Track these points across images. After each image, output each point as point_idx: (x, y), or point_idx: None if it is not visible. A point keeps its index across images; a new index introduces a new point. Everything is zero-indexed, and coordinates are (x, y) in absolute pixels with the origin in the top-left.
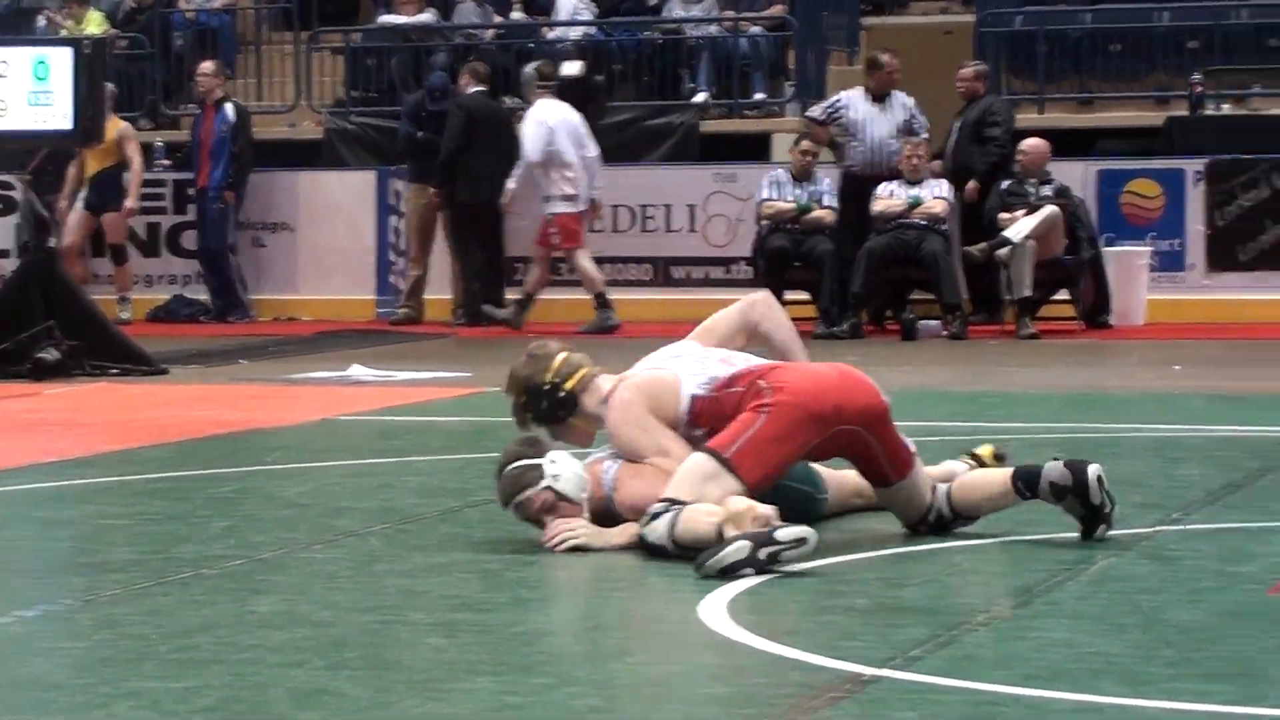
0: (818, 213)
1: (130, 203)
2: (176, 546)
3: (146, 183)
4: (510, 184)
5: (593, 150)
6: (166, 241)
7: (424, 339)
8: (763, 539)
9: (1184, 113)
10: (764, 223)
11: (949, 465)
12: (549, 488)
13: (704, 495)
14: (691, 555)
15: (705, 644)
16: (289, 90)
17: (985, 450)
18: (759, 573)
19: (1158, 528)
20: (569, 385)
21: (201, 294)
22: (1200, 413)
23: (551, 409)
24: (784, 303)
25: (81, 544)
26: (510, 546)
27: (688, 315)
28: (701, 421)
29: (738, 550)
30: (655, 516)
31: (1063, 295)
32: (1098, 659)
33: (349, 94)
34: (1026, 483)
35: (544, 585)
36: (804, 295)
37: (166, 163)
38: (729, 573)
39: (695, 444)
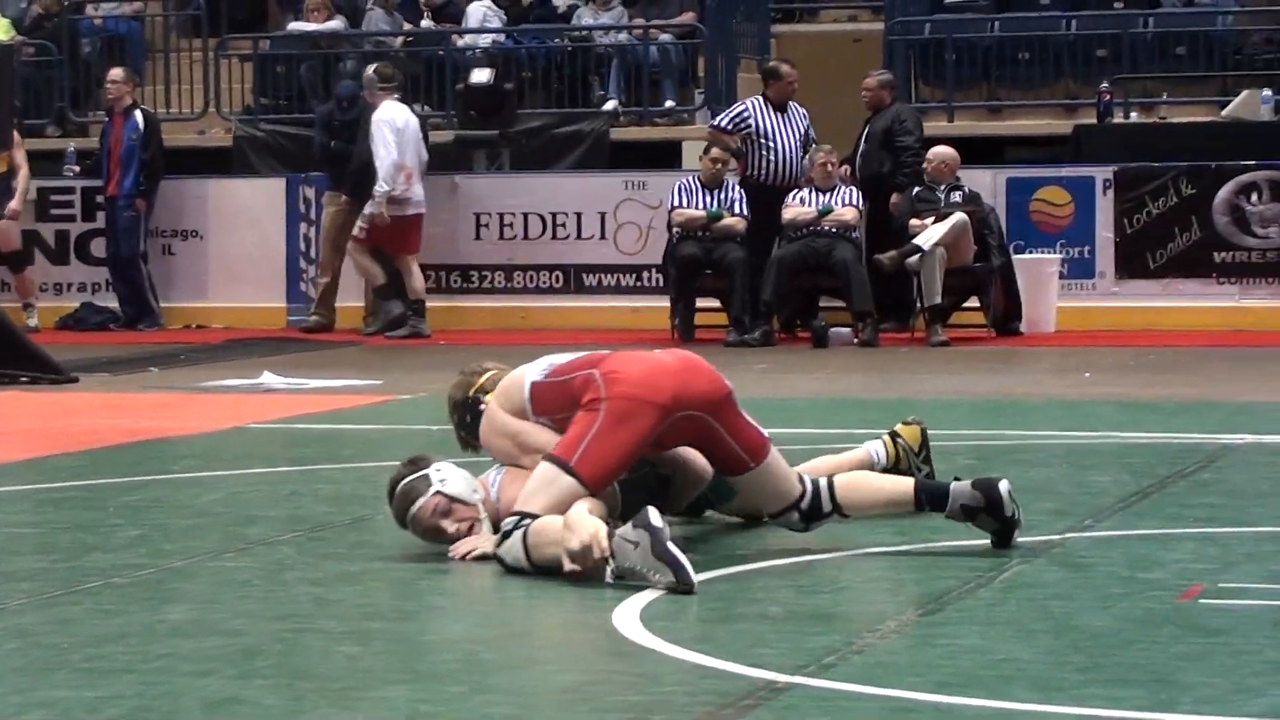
0: (728, 220)
1: (15, 204)
2: (86, 555)
3: (56, 190)
4: (382, 189)
5: (425, 155)
6: (76, 249)
7: (335, 347)
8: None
9: (1092, 121)
10: (675, 230)
11: (868, 447)
12: (438, 492)
13: (551, 506)
14: (553, 572)
15: (619, 652)
16: (198, 97)
17: (908, 431)
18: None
19: (1068, 534)
20: (488, 398)
21: (111, 302)
22: (1110, 419)
23: (475, 422)
24: (695, 310)
25: None
26: (422, 555)
27: (599, 323)
28: (543, 409)
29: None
30: (507, 534)
31: (973, 302)
32: (1009, 665)
33: (258, 101)
34: (932, 499)
35: (457, 593)
36: (715, 303)
37: (75, 170)
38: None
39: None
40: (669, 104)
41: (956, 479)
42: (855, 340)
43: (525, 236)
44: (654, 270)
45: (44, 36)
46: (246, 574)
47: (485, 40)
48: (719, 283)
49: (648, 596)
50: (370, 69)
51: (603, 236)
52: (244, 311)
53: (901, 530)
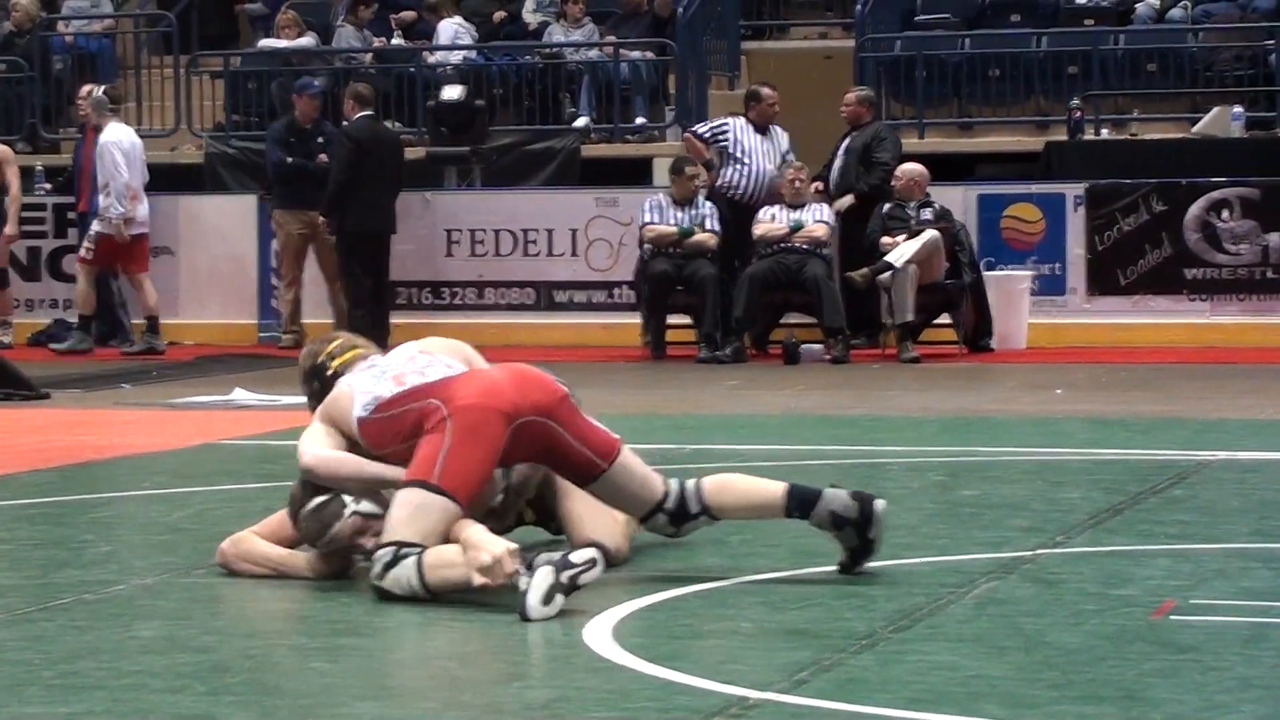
0: (700, 236)
1: (10, 229)
2: (57, 571)
3: (26, 206)
4: (116, 210)
5: (147, 177)
6: (47, 265)
7: None
8: (561, 564)
9: (1063, 138)
10: (646, 247)
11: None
12: (355, 513)
13: (426, 529)
14: (448, 595)
15: (590, 667)
16: (169, 114)
17: None
18: (566, 594)
19: (1039, 551)
20: (335, 364)
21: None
22: (1081, 436)
23: (323, 390)
24: (666, 327)
25: None
26: (333, 544)
27: (570, 340)
28: (373, 443)
29: (545, 577)
30: (387, 566)
31: (944, 319)
32: (980, 682)
33: (229, 118)
34: (801, 504)
35: (428, 609)
36: (686, 320)
37: (47, 187)
38: (547, 601)
39: (386, 461)
40: (640, 121)
41: (833, 484)
42: (827, 357)
43: (497, 253)
44: (625, 287)
45: (15, 53)
46: (217, 590)
47: (456, 57)
48: (691, 299)
49: (619, 613)
50: (99, 90)
51: (574, 253)
52: (214, 328)
53: None
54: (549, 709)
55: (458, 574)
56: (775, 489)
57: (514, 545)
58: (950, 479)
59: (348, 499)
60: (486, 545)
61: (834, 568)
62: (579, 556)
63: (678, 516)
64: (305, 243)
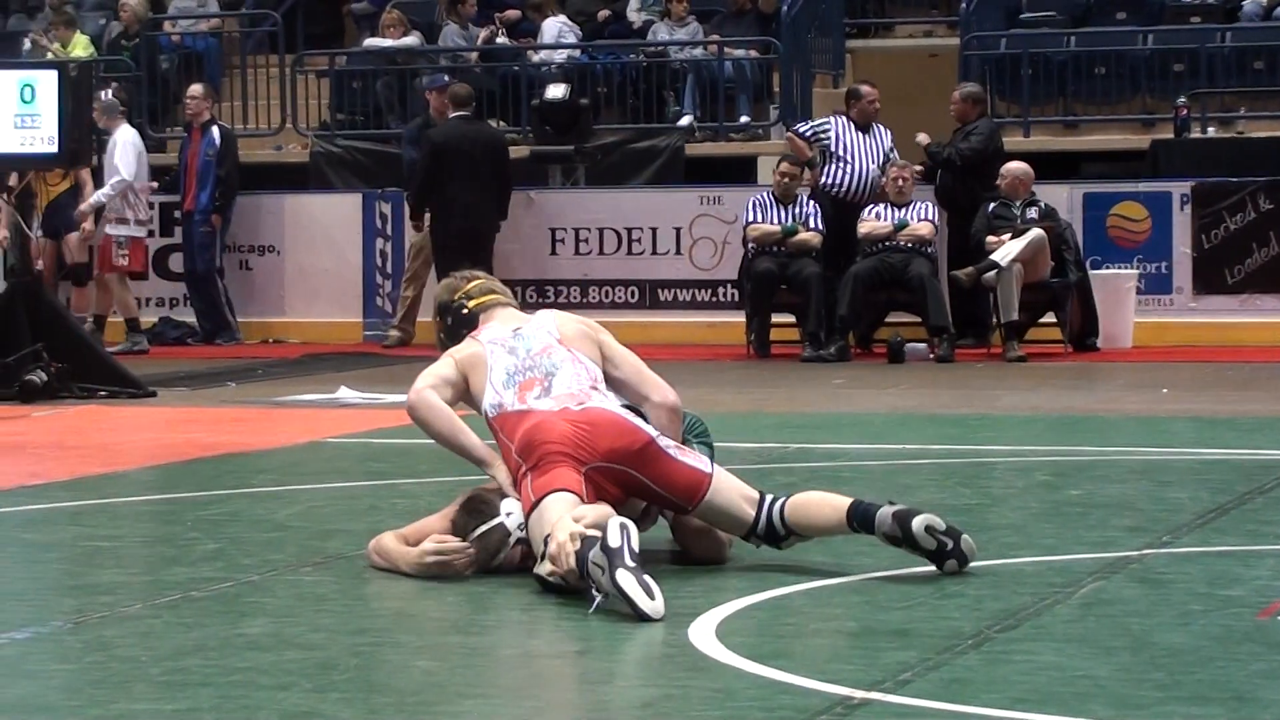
0: (804, 235)
1: (88, 226)
2: (165, 569)
3: None
4: (99, 197)
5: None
6: (153, 264)
7: (411, 362)
8: (616, 557)
9: (1170, 136)
10: (750, 246)
11: None
12: (519, 540)
13: (558, 516)
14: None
15: (695, 667)
16: (275, 113)
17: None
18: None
19: (1146, 551)
20: (472, 304)
21: (189, 317)
22: (1188, 436)
23: (456, 326)
24: (770, 326)
25: (70, 566)
26: (500, 569)
27: (673, 339)
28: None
29: (628, 579)
30: (542, 558)
31: (1049, 318)
32: (1087, 682)
33: (334, 117)
34: (862, 522)
35: (534, 608)
36: (790, 319)
37: (153, 186)
38: (650, 593)
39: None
40: (744, 119)
41: (890, 502)
42: (931, 356)
43: (600, 252)
44: (729, 286)
45: (123, 53)
46: (324, 588)
47: (560, 56)
48: (794, 298)
49: (724, 612)
50: (107, 93)
51: (678, 252)
52: (320, 326)
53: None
54: (653, 708)
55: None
56: (840, 506)
57: (577, 527)
58: (1056, 478)
59: (511, 525)
60: (557, 531)
61: (935, 567)
62: (614, 539)
63: (769, 539)
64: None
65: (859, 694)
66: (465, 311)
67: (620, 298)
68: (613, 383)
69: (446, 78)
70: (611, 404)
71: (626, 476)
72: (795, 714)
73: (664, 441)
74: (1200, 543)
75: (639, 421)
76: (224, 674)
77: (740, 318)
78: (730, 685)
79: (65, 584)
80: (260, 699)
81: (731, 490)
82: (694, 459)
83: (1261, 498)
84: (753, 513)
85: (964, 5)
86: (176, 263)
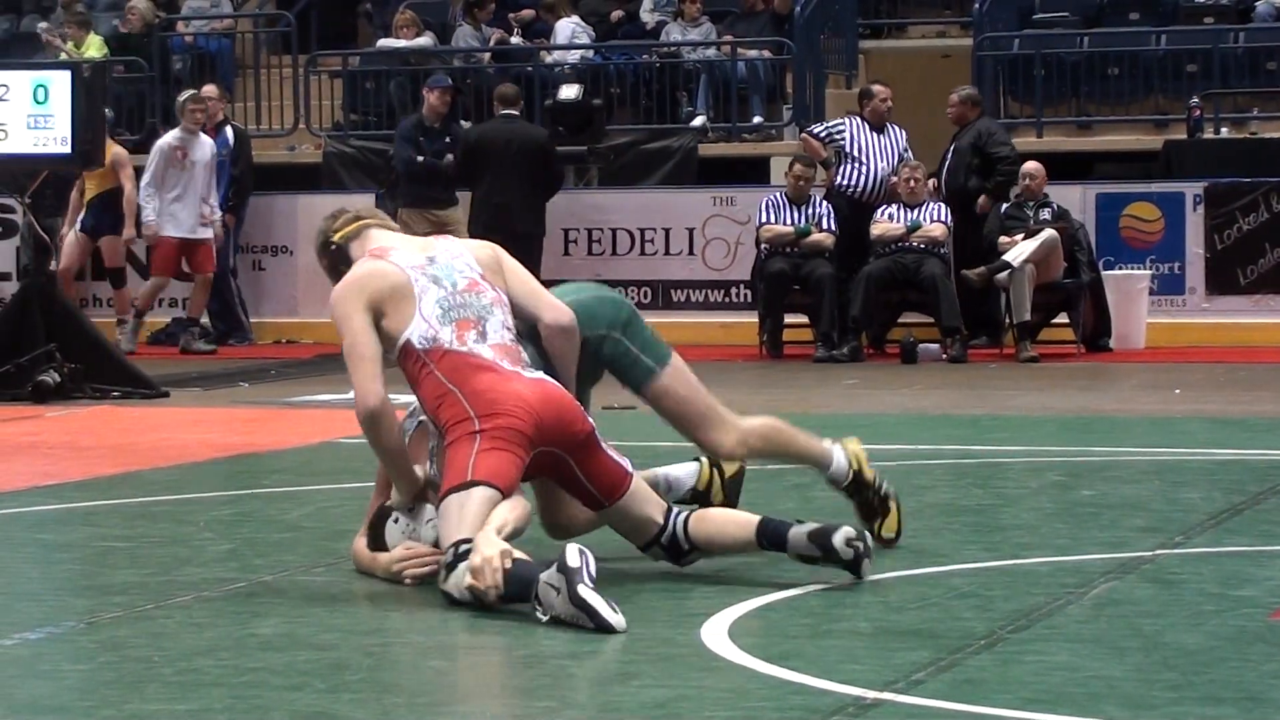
0: (817, 236)
1: (128, 230)
2: (178, 569)
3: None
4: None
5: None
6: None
7: None
8: (574, 575)
9: (1183, 136)
10: (763, 246)
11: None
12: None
13: (473, 523)
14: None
15: (708, 667)
16: (288, 114)
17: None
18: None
19: (1159, 551)
20: (337, 237)
21: (202, 317)
22: (1201, 436)
23: (333, 264)
24: (783, 326)
25: (83, 566)
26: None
27: (686, 339)
28: (406, 370)
29: (590, 596)
30: (449, 569)
31: (1062, 319)
32: (1099, 683)
33: (347, 117)
34: (772, 541)
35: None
36: (803, 319)
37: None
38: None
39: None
40: (757, 120)
41: (798, 521)
42: (944, 356)
43: (614, 252)
44: (742, 286)
45: (136, 53)
46: (336, 588)
47: (574, 56)
48: (807, 298)
49: (736, 612)
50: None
51: (691, 252)
52: (333, 327)
53: (990, 546)
54: (665, 708)
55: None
56: (748, 524)
57: (506, 546)
58: (1069, 479)
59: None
60: (480, 548)
61: (951, 567)
62: (574, 560)
63: (672, 551)
64: None
65: (871, 694)
66: (334, 247)
67: (633, 298)
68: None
69: (449, 79)
70: (552, 380)
71: (558, 461)
72: (808, 714)
73: (598, 434)
74: (1213, 543)
75: (580, 408)
76: (237, 674)
77: (753, 318)
78: (743, 685)
79: (79, 584)
80: (273, 699)
81: (646, 495)
82: (620, 456)
83: (1274, 498)
84: (660, 521)
85: (977, 6)
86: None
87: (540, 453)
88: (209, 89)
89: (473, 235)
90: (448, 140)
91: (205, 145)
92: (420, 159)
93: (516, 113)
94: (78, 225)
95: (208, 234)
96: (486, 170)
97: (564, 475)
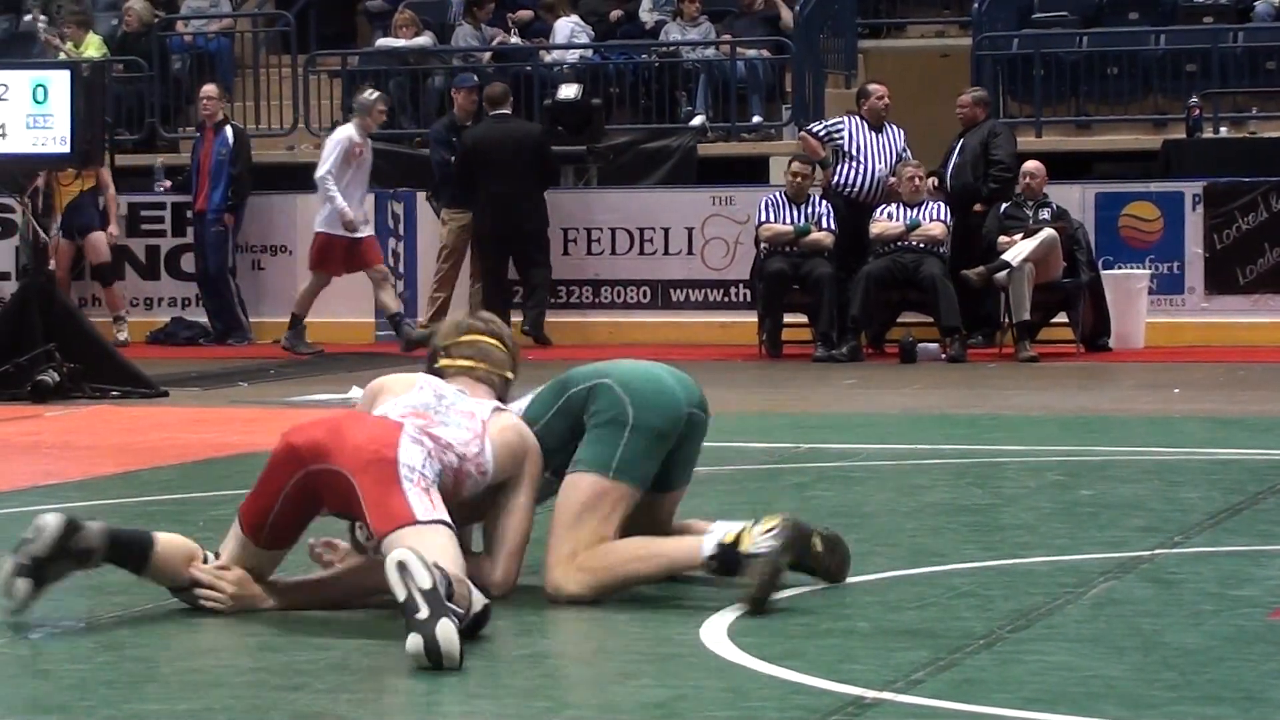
0: (816, 235)
1: (113, 229)
2: None
3: (146, 205)
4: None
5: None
6: (165, 264)
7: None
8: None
9: (1182, 136)
10: (762, 246)
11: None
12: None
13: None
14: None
15: (708, 667)
16: (287, 113)
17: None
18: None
19: (1157, 551)
20: (442, 363)
21: (201, 317)
22: (1200, 436)
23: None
24: (782, 326)
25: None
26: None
27: (685, 339)
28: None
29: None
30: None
31: (1061, 318)
32: (1098, 682)
33: (347, 117)
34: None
35: (546, 608)
36: (802, 319)
37: (166, 185)
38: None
39: None
40: (756, 119)
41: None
42: (943, 356)
43: (613, 252)
44: (741, 286)
45: (135, 53)
46: None
47: (573, 56)
48: (807, 298)
49: (736, 612)
50: (371, 93)
51: (690, 252)
52: (332, 326)
53: (989, 546)
54: (665, 708)
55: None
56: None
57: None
58: (1068, 478)
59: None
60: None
61: (950, 567)
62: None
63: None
64: (466, 243)
65: (871, 694)
66: (435, 365)
67: (632, 298)
68: (485, 508)
69: (475, 78)
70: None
71: (344, 483)
72: (807, 714)
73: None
74: (1212, 543)
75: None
76: (236, 674)
77: (752, 318)
78: (742, 685)
79: (78, 583)
80: (272, 699)
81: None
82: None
83: (1273, 498)
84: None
85: (976, 5)
86: (189, 263)
87: (318, 472)
88: (208, 88)
89: (479, 235)
90: None
91: (369, 147)
92: (453, 159)
93: (508, 111)
94: (56, 230)
95: (370, 230)
96: (487, 171)
97: (351, 501)
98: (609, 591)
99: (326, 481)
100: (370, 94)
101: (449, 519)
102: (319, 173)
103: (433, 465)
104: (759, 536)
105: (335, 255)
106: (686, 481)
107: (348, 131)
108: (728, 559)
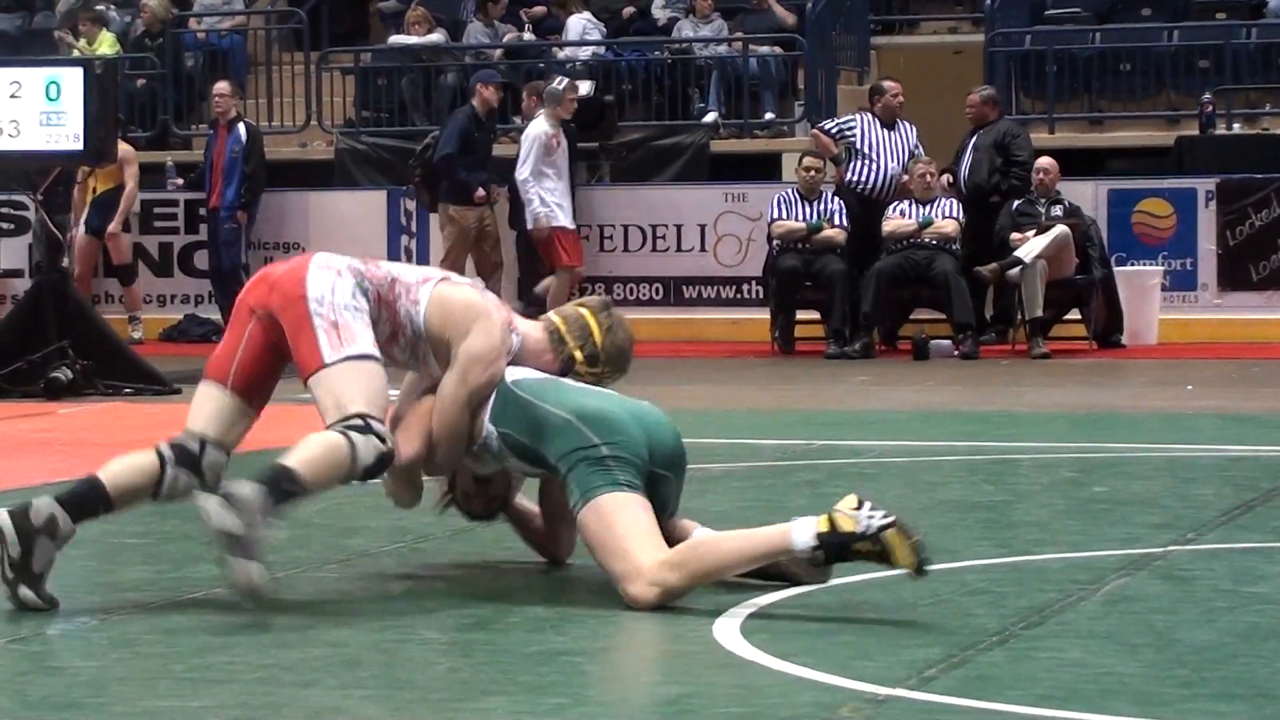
0: (829, 232)
1: (114, 225)
2: (190, 566)
3: (159, 203)
4: (535, 203)
5: None
6: (179, 261)
7: None
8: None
9: (1194, 132)
10: (775, 242)
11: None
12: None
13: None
14: None
15: (720, 664)
16: (300, 110)
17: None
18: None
19: (1170, 547)
20: (582, 368)
21: (214, 313)
22: (1213, 432)
23: (564, 370)
24: (795, 322)
25: (96, 563)
26: (526, 566)
27: (698, 335)
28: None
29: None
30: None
31: (1074, 315)
32: (1111, 679)
33: (359, 114)
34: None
35: (558, 605)
36: (815, 315)
37: (179, 182)
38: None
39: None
40: (769, 116)
41: None
42: (956, 353)
43: (625, 249)
44: (754, 282)
45: (147, 50)
46: (348, 585)
47: (585, 53)
48: (819, 295)
49: (748, 609)
50: (561, 81)
51: (703, 249)
52: None
53: (1002, 543)
54: (678, 704)
55: None
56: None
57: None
58: (1081, 475)
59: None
60: None
61: (962, 564)
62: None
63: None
64: (479, 237)
65: (883, 691)
66: (575, 370)
67: (645, 294)
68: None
69: (498, 74)
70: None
71: (276, 327)
72: (820, 711)
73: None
74: (1225, 539)
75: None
76: (249, 670)
77: (765, 314)
78: (754, 682)
79: (91, 581)
80: (285, 696)
81: (328, 399)
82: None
83: None
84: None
85: (988, 2)
86: (202, 260)
87: (264, 317)
88: (221, 86)
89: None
90: (493, 135)
91: (562, 135)
92: (464, 173)
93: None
94: (82, 226)
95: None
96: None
97: (282, 342)
98: (700, 582)
99: (268, 327)
100: (559, 82)
101: (363, 350)
102: (520, 174)
103: (346, 287)
104: (859, 514)
105: (579, 244)
106: (674, 513)
107: (541, 126)
108: (834, 544)
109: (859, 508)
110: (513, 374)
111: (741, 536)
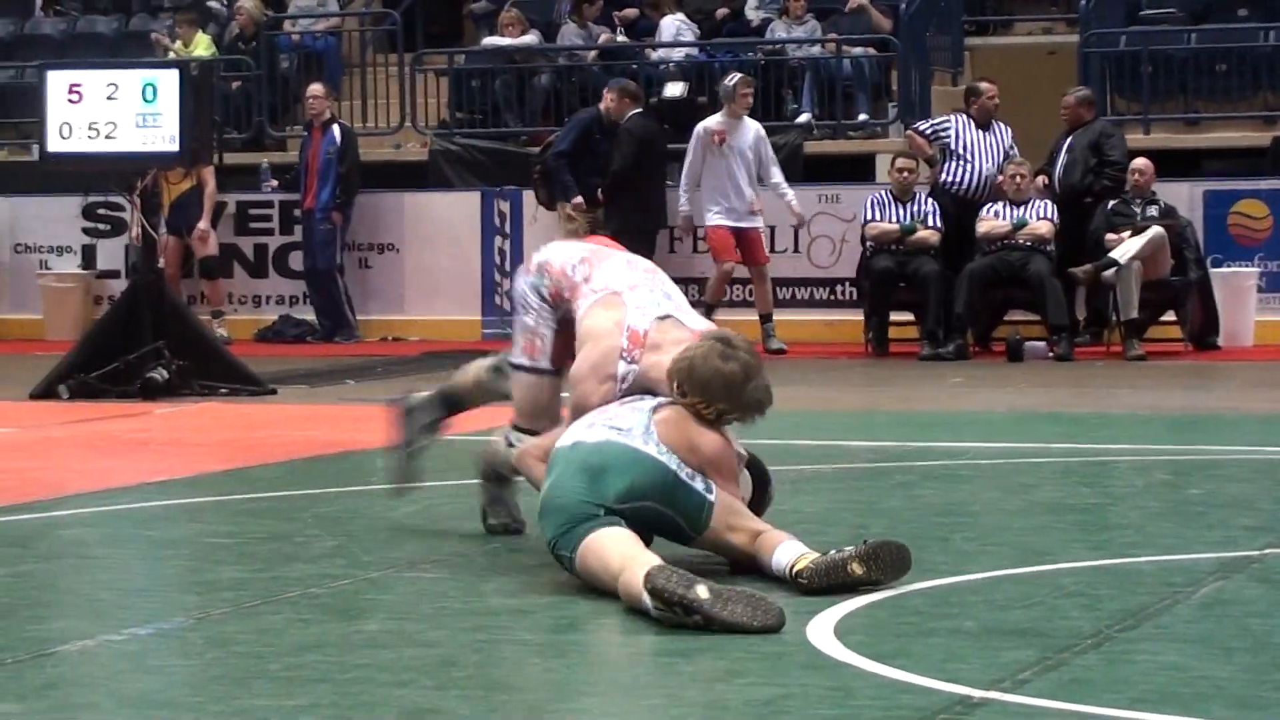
0: (922, 234)
1: (203, 224)
2: (284, 566)
3: (254, 204)
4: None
5: None
6: (274, 262)
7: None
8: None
9: None
10: (869, 244)
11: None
12: None
13: None
14: None
15: (813, 665)
16: (394, 112)
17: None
18: None
19: (1267, 550)
20: (711, 414)
21: (308, 314)
22: None
23: (718, 417)
24: (889, 324)
25: (191, 563)
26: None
27: (791, 336)
28: None
29: None
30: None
31: (1170, 317)
32: (1207, 683)
33: (453, 115)
34: None
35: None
36: (909, 316)
37: (274, 184)
38: None
39: None
40: (862, 117)
41: None
42: (1050, 354)
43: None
44: (848, 284)
45: (241, 53)
46: (443, 585)
47: (679, 54)
48: (913, 296)
49: (842, 610)
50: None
51: (796, 250)
52: (439, 324)
53: (1097, 545)
54: (772, 705)
55: None
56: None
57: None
58: (1176, 477)
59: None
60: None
61: (1057, 566)
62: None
63: None
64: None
65: (978, 693)
66: (713, 416)
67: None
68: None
69: (625, 79)
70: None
71: None
72: (913, 713)
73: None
74: None
75: None
76: (343, 670)
77: (858, 316)
78: (848, 684)
79: (187, 580)
80: (379, 695)
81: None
82: None
83: None
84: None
85: (1083, 2)
86: (297, 260)
87: None
88: (315, 88)
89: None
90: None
91: (748, 130)
92: (569, 179)
93: (643, 109)
94: (164, 227)
95: (756, 223)
96: (648, 165)
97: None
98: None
99: None
100: (731, 79)
101: (529, 362)
102: (682, 183)
103: (536, 282)
104: (692, 590)
105: (730, 242)
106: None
107: (703, 124)
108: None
109: (692, 587)
110: (583, 434)
111: (634, 562)
